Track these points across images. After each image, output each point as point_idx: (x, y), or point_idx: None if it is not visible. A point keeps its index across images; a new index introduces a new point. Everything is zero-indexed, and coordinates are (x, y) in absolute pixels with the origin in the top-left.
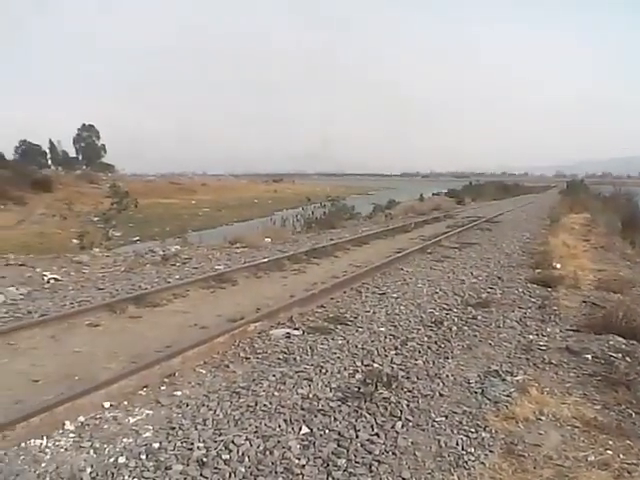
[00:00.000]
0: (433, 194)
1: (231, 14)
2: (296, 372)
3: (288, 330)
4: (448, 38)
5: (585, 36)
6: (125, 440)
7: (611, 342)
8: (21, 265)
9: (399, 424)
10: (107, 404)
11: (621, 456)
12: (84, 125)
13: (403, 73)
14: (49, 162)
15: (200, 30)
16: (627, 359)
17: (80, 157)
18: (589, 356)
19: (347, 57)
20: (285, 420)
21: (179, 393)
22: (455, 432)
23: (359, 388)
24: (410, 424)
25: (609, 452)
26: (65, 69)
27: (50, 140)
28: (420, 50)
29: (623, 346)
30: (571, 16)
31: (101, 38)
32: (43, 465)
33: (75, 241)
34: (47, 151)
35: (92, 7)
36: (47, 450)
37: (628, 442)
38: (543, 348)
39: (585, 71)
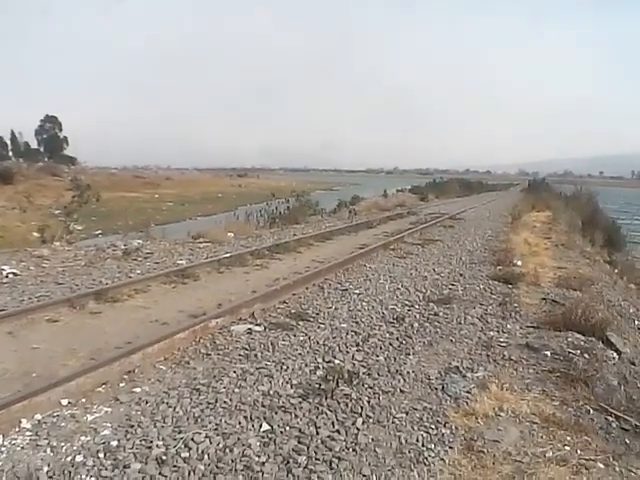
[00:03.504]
0: (397, 191)
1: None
2: (257, 369)
3: (250, 326)
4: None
5: (550, 37)
6: (83, 438)
7: (570, 339)
8: None
9: (360, 421)
10: (65, 401)
11: (579, 452)
12: (47, 116)
13: (367, 70)
14: (10, 154)
15: (178, 27)
16: (585, 356)
17: (42, 149)
18: (548, 353)
19: (314, 57)
20: (245, 417)
21: (138, 390)
22: (415, 428)
23: (320, 385)
24: (371, 421)
25: (567, 448)
26: (30, 57)
27: (12, 131)
28: (390, 49)
29: (582, 343)
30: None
31: (74, 29)
32: None
33: (36, 234)
34: (8, 142)
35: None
36: (3, 449)
37: (586, 438)
38: (503, 345)
39: (551, 72)
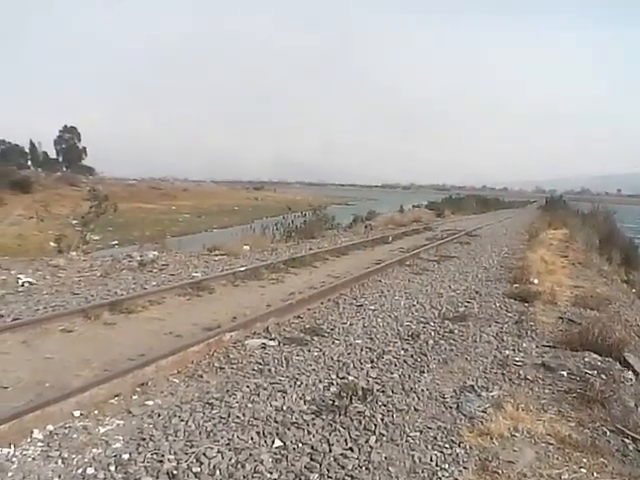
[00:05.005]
0: (413, 206)
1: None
2: (271, 384)
3: (264, 340)
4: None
5: (556, 54)
6: (94, 450)
7: (587, 359)
8: None
9: (373, 438)
10: (77, 413)
11: (595, 474)
12: (66, 127)
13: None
14: (29, 163)
15: (186, 36)
16: (602, 376)
17: (61, 159)
18: (565, 373)
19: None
20: (258, 432)
21: (151, 403)
22: (429, 447)
23: (334, 401)
24: (384, 439)
25: (583, 470)
26: (49, 68)
27: (31, 141)
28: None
29: (599, 363)
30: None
31: (88, 37)
32: (10, 475)
33: (52, 244)
34: (27, 152)
35: (81, 3)
36: (14, 459)
37: (602, 460)
38: (519, 364)
39: (567, 87)
